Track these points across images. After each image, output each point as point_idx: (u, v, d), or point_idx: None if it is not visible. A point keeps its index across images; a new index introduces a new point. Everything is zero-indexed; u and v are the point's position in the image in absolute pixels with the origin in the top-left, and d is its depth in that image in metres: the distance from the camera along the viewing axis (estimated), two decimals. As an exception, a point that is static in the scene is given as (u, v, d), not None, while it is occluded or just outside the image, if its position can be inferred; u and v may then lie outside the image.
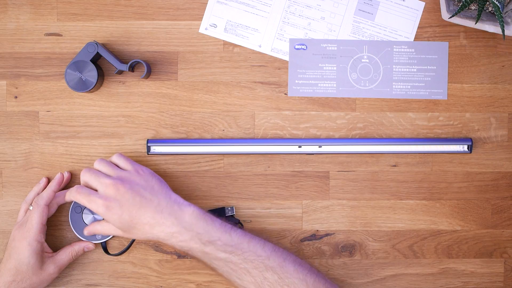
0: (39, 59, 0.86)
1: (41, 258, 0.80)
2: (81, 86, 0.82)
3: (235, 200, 0.87)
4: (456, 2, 0.83)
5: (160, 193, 0.77)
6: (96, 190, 0.77)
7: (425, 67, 0.87)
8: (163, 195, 0.77)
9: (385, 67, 0.87)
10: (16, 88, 0.86)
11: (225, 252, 0.75)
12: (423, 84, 0.87)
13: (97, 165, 0.80)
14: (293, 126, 0.87)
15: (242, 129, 0.87)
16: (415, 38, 0.87)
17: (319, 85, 0.87)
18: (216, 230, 0.76)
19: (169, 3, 0.86)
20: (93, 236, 0.84)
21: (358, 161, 0.87)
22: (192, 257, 0.77)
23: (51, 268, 0.81)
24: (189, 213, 0.76)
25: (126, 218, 0.75)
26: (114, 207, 0.75)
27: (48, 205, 0.81)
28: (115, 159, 0.81)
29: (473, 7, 0.83)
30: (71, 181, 0.86)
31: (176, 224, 0.75)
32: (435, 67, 0.87)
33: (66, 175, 0.85)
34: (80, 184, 0.86)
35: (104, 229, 0.79)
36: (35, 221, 0.80)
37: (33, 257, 0.79)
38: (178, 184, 0.86)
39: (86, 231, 0.80)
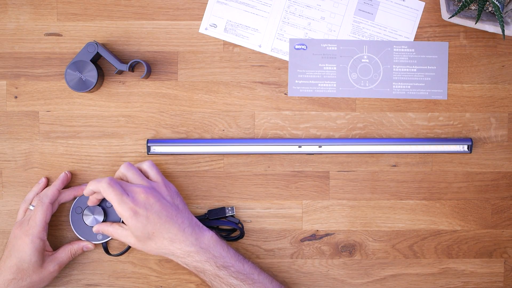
0: (39, 59, 0.86)
1: (42, 256, 0.80)
2: (81, 86, 0.82)
3: (235, 200, 0.87)
4: (456, 2, 0.83)
5: (184, 212, 0.79)
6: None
7: (425, 67, 0.87)
8: (186, 215, 0.79)
9: (385, 67, 0.87)
10: (16, 88, 0.86)
11: (237, 279, 0.77)
12: (423, 84, 0.87)
13: (125, 170, 0.79)
14: (293, 126, 0.87)
15: (242, 129, 0.87)
16: (415, 38, 0.87)
17: (319, 85, 0.87)
18: (231, 257, 0.78)
19: (169, 3, 0.86)
20: (94, 237, 0.84)
21: (358, 161, 0.87)
22: (202, 279, 0.78)
23: (51, 266, 0.81)
24: (209, 236, 0.78)
25: (149, 229, 0.76)
26: (141, 215, 0.75)
27: (52, 204, 0.81)
28: (146, 167, 0.81)
29: (473, 7, 0.83)
30: (71, 181, 0.86)
31: (195, 244, 0.77)
32: (435, 67, 0.87)
33: (68, 174, 0.85)
34: (80, 185, 0.86)
35: (116, 233, 0.79)
36: (39, 218, 0.79)
37: (35, 255, 0.79)
38: (178, 184, 0.86)
39: (95, 229, 0.80)
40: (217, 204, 0.87)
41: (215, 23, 0.87)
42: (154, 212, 0.76)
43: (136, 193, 0.76)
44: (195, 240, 0.77)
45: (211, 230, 0.80)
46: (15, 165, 0.86)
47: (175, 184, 0.86)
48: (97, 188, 0.77)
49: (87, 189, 0.78)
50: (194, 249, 0.77)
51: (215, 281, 0.77)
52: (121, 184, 0.77)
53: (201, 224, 0.80)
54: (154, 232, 0.76)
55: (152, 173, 0.81)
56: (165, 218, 0.76)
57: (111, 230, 0.79)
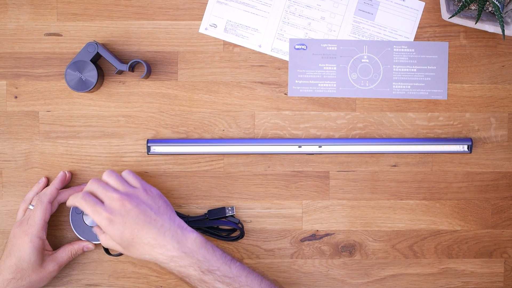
0: (39, 59, 0.86)
1: (42, 256, 0.80)
2: (81, 86, 0.82)
3: (235, 200, 0.87)
4: (456, 2, 0.83)
5: (165, 214, 0.77)
6: (102, 202, 0.76)
7: (425, 67, 0.87)
8: (168, 217, 0.77)
9: (385, 67, 0.87)
10: (16, 88, 0.86)
11: (223, 283, 0.74)
12: (423, 84, 0.87)
13: (106, 177, 0.78)
14: (293, 126, 0.87)
15: (242, 129, 0.87)
16: (415, 38, 0.87)
17: (319, 85, 0.87)
18: (217, 260, 0.75)
19: (169, 3, 0.86)
20: (94, 237, 0.84)
21: (358, 161, 0.87)
22: (188, 284, 0.76)
23: (50, 266, 0.81)
24: (192, 239, 0.76)
25: (127, 235, 0.75)
26: (117, 222, 0.74)
27: (51, 203, 0.81)
28: (125, 175, 0.80)
29: (473, 7, 0.83)
30: (71, 181, 0.86)
31: (177, 248, 0.74)
32: (435, 67, 0.87)
33: (67, 174, 0.85)
34: (80, 185, 0.86)
35: (106, 242, 0.78)
36: (37, 218, 0.79)
37: (34, 254, 0.79)
38: (178, 184, 0.86)
39: (95, 229, 0.79)
40: (217, 204, 0.87)
41: (215, 23, 0.87)
42: (131, 217, 0.74)
43: (113, 200, 0.75)
44: (177, 244, 0.75)
45: (196, 231, 0.77)
46: (15, 165, 0.86)
47: (175, 184, 0.86)
48: (73, 204, 0.77)
49: (69, 203, 0.78)
50: (177, 253, 0.74)
51: (201, 286, 0.75)
52: (99, 192, 0.76)
53: (185, 226, 0.77)
54: (133, 238, 0.74)
55: (131, 179, 0.80)
56: (143, 222, 0.75)
57: (102, 239, 0.78)
